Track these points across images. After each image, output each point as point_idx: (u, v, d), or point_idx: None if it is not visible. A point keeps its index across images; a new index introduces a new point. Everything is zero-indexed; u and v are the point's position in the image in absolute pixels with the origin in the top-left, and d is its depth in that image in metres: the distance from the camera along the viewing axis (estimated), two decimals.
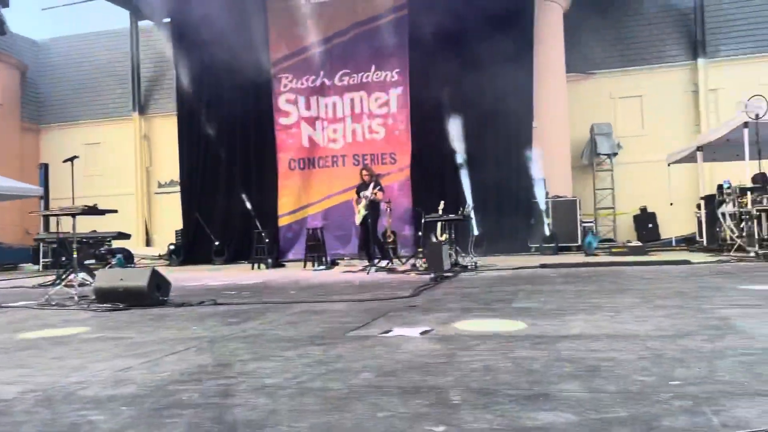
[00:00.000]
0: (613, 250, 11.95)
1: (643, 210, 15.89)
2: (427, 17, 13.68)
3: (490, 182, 13.66)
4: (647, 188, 15.60)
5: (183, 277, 9.71)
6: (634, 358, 2.78)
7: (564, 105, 15.38)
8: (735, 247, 10.19)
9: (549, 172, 14.06)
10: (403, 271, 9.34)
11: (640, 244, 12.47)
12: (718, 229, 11.52)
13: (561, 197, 14.07)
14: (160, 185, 18.73)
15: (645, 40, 16.68)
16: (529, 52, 13.89)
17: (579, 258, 11.07)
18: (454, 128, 13.81)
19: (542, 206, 13.61)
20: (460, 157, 13.81)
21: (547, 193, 13.86)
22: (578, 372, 2.57)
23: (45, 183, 15.48)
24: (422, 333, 3.72)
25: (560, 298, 5.24)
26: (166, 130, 17.90)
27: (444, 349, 3.20)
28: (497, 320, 4.19)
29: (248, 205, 14.61)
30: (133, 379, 2.84)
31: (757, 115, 9.13)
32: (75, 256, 6.53)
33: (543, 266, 9.22)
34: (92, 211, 6.31)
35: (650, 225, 15.74)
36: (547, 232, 13.26)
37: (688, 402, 2.06)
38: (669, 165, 14.04)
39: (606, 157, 16.21)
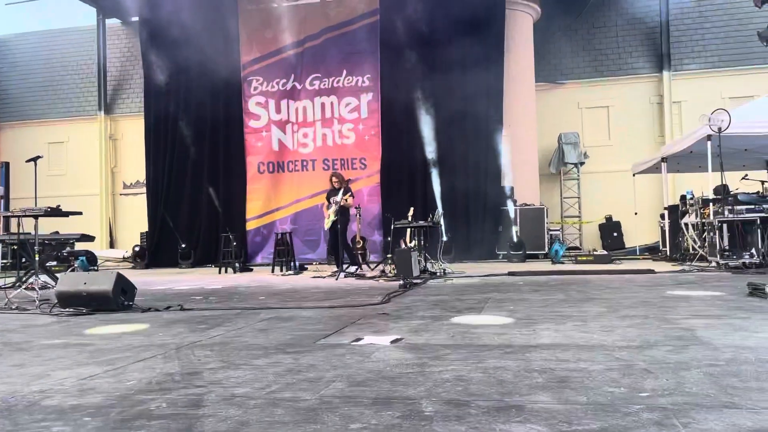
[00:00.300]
0: (579, 258, 12.13)
1: (609, 219, 16.17)
2: (399, 24, 13.76)
3: (460, 189, 13.78)
4: (612, 197, 15.89)
5: (148, 281, 9.54)
6: (603, 368, 2.82)
7: (533, 113, 15.58)
8: (697, 256, 10.44)
9: (517, 180, 14.23)
10: (372, 277, 9.32)
11: (605, 252, 12.69)
12: (680, 239, 11.79)
13: (529, 205, 14.24)
14: (125, 186, 18.38)
15: (612, 52, 17.02)
16: (499, 61, 14.05)
17: (546, 266, 11.21)
18: (425, 135, 13.90)
19: (510, 214, 13.77)
20: (431, 164, 13.89)
21: (515, 201, 14.02)
22: (549, 383, 2.59)
23: (5, 182, 15.06)
24: (393, 342, 3.72)
25: (529, 306, 5.28)
26: (132, 130, 17.57)
27: (415, 359, 3.20)
28: (474, 323, 4.21)
29: (217, 208, 14.45)
30: (98, 387, 2.77)
31: (719, 129, 9.37)
32: (37, 258, 6.35)
33: (511, 274, 9.31)
34: (56, 212, 6.15)
35: (615, 234, 16.03)
36: (515, 240, 13.40)
37: (658, 414, 2.09)
38: (634, 175, 14.33)
39: (573, 166, 16.46)
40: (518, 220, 13.78)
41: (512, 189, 14.04)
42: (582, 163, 16.31)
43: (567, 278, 8.41)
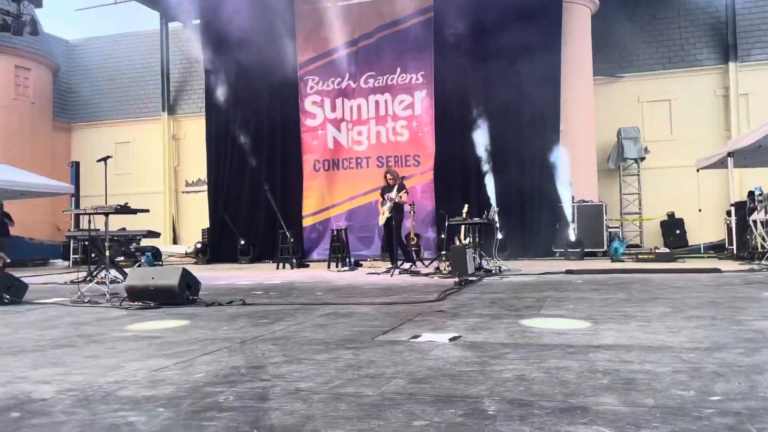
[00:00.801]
0: (640, 256, 11.81)
1: (671, 216, 15.67)
2: (453, 19, 13.70)
3: (515, 185, 13.62)
4: (675, 194, 15.39)
5: (210, 276, 9.81)
6: (671, 371, 2.75)
7: (590, 108, 15.24)
8: (766, 255, 10.00)
9: (575, 175, 13.95)
10: (427, 274, 9.32)
11: (668, 250, 12.31)
12: (748, 237, 11.32)
13: (587, 202, 13.94)
14: (187, 184, 18.96)
15: (674, 44, 16.46)
16: (556, 55, 13.81)
17: (605, 264, 10.95)
18: (480, 131, 13.79)
19: (568, 210, 13.51)
20: (485, 160, 13.78)
21: (572, 198, 13.75)
22: (614, 384, 2.54)
23: (76, 181, 15.76)
24: (451, 339, 3.72)
25: (589, 306, 5.19)
26: (194, 130, 18.12)
27: (474, 357, 3.19)
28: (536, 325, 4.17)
29: (273, 205, 14.73)
30: (169, 379, 2.88)
31: None
32: (107, 254, 6.63)
33: (569, 272, 9.15)
34: (125, 210, 6.42)
35: (678, 231, 15.52)
36: (573, 237, 13.14)
37: (731, 419, 2.03)
38: (698, 170, 13.83)
39: (633, 161, 16.02)
40: (576, 217, 13.52)
41: (570, 185, 13.78)
42: (642, 159, 15.86)
43: (628, 277, 8.20)
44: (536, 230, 13.66)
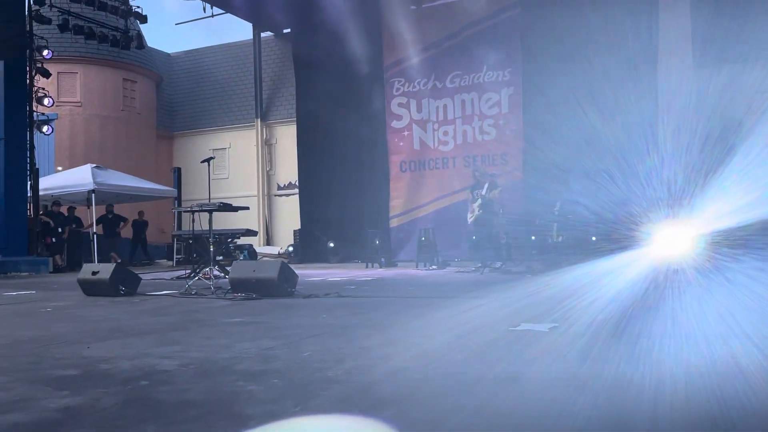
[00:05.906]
0: None
1: None
2: (540, 15, 13.45)
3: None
4: None
5: (304, 273, 10.07)
6: None
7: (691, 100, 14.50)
8: None
9: None
10: (518, 273, 9.22)
11: None
12: None
13: None
14: (279, 188, 19.62)
15: None
16: (653, 45, 13.27)
17: None
18: (569, 127, 13.44)
19: None
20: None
21: None
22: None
23: (178, 185, 16.69)
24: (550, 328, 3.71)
25: None
26: (285, 135, 18.77)
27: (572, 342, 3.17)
28: None
29: (362, 207, 15.03)
30: (278, 356, 3.05)
31: None
32: (211, 250, 7.02)
33: None
34: (227, 208, 6.78)
35: None
36: None
37: None
38: None
39: None
40: None
41: None
42: None
43: None
44: None
